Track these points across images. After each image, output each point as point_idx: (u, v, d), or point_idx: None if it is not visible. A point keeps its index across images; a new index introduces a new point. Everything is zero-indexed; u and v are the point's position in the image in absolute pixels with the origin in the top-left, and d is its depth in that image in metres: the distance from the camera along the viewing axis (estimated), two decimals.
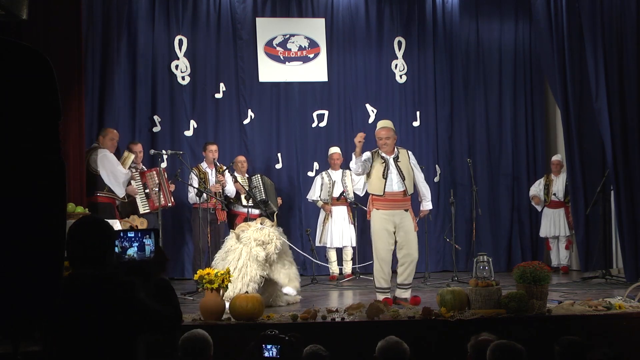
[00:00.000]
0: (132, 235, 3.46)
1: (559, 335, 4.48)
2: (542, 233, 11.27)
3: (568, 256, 11.13)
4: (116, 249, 3.38)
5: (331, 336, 5.84)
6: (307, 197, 10.69)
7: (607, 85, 9.25)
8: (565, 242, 11.09)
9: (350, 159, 11.12)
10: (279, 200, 10.50)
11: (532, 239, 11.70)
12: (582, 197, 10.04)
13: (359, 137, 7.70)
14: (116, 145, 9.24)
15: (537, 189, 11.24)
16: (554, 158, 11.29)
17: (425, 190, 8.01)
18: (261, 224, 7.66)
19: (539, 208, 11.22)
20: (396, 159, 7.76)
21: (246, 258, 7.32)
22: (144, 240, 3.45)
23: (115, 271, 3.26)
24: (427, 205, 8.10)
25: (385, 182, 7.65)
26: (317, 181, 10.60)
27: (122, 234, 3.44)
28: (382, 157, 7.76)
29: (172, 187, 9.67)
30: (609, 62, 9.33)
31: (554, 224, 11.08)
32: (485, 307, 6.14)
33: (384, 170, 7.69)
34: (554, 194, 11.02)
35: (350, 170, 10.51)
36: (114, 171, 8.83)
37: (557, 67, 9.93)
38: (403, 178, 7.69)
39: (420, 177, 7.99)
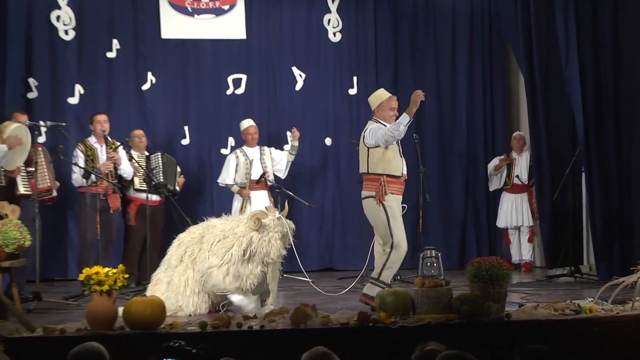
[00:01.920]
0: None
1: (520, 344, 4.54)
2: (501, 223, 11.45)
3: (531, 251, 11.35)
4: None
5: (248, 348, 5.82)
6: (219, 180, 10.61)
7: (579, 49, 9.40)
8: (527, 234, 11.30)
9: (273, 134, 11.16)
10: (181, 179, 10.36)
11: (490, 230, 11.89)
12: (548, 180, 10.20)
13: (421, 96, 7.64)
14: None
15: (495, 162, 11.38)
16: (516, 133, 11.48)
17: None
18: (274, 212, 7.66)
19: (493, 185, 11.38)
20: None
21: (256, 249, 7.35)
22: None
23: None
24: None
25: (402, 161, 7.86)
26: (231, 161, 10.52)
27: None
28: None
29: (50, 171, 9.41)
30: (581, 21, 9.47)
31: (515, 212, 11.28)
32: (433, 311, 6.19)
33: (399, 147, 7.84)
34: (517, 176, 11.21)
35: (271, 149, 10.50)
36: None
37: (520, 28, 10.05)
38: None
39: None
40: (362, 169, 7.88)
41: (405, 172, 7.95)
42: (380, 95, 8.01)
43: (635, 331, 6.18)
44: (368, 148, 7.76)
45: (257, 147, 10.61)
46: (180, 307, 7.37)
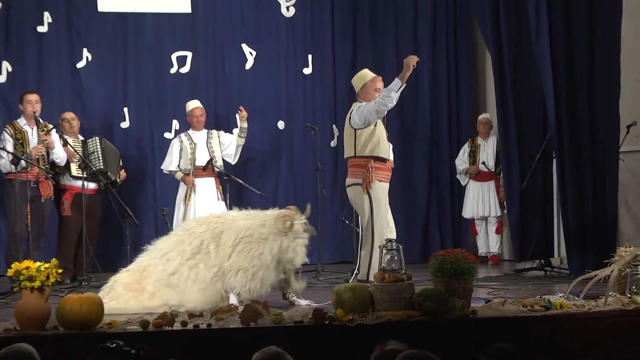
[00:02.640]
0: None
1: (486, 343, 4.58)
2: (467, 213, 11.55)
3: (499, 243, 11.45)
4: None
5: (193, 348, 5.80)
6: (162, 167, 10.57)
7: (550, 23, 9.44)
8: (495, 225, 11.40)
9: (221, 116, 11.10)
10: (122, 174, 10.30)
11: (454, 221, 11.98)
12: (516, 167, 10.27)
13: (414, 60, 7.68)
14: None
15: (463, 159, 11.47)
16: (482, 116, 11.57)
17: None
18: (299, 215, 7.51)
19: (463, 180, 11.48)
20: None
21: (284, 255, 7.27)
22: None
23: None
24: None
25: (389, 145, 8.01)
26: (174, 146, 10.48)
27: None
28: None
29: None
30: None
31: (481, 202, 11.38)
32: (394, 308, 6.21)
33: (386, 130, 7.97)
34: (483, 163, 11.29)
35: (221, 133, 10.47)
36: None
37: (487, 1, 10.09)
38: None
39: None
40: (348, 153, 7.90)
41: (392, 157, 8.00)
42: (363, 76, 8.06)
43: (608, 328, 6.26)
44: (355, 130, 7.80)
45: (205, 131, 10.57)
46: (181, 303, 7.26)
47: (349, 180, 7.94)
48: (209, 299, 7.34)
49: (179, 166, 10.43)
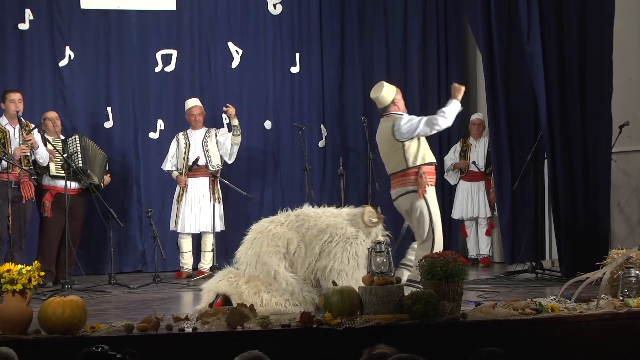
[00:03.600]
0: None
1: (477, 347, 4.60)
2: (456, 214, 11.57)
3: (489, 245, 11.47)
4: None
5: (179, 352, 5.81)
6: (162, 166, 10.63)
7: (541, 23, 9.47)
8: (485, 227, 11.42)
9: (207, 116, 11.09)
10: (107, 178, 10.28)
11: (444, 222, 11.94)
12: (508, 168, 10.31)
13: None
14: None
15: (452, 157, 11.51)
16: (474, 117, 11.58)
17: None
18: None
19: (452, 180, 11.50)
20: None
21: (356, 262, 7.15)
22: None
23: None
24: None
25: None
26: (172, 145, 10.68)
27: None
28: None
29: None
30: None
31: (471, 202, 11.40)
32: (383, 311, 6.23)
33: None
34: (473, 162, 11.32)
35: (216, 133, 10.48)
36: None
37: (479, 0, 10.13)
38: None
39: None
40: (398, 166, 7.90)
41: None
42: (390, 87, 8.12)
43: (600, 331, 6.29)
44: (403, 143, 7.83)
45: (203, 129, 10.64)
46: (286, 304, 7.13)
47: (399, 190, 7.92)
48: (307, 299, 7.19)
49: (175, 165, 10.48)
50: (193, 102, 10.71)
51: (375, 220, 7.25)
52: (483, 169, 11.33)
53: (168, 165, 10.54)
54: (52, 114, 10.17)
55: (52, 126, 10.00)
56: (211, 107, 11.35)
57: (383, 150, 8.04)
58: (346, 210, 7.45)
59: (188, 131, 10.65)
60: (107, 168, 10.33)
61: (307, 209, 7.51)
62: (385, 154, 8.02)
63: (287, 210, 7.50)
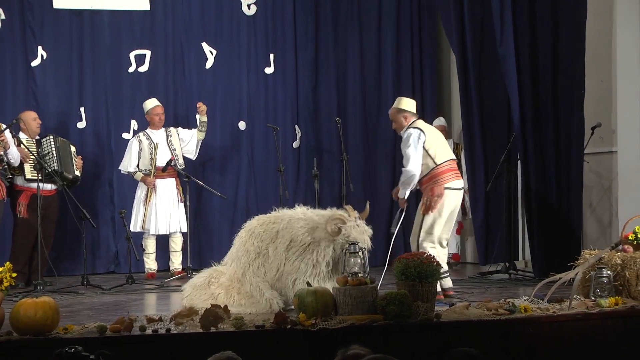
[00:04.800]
0: None
1: (450, 347, 4.61)
2: None
3: (458, 243, 11.52)
4: None
5: (152, 353, 5.80)
6: (120, 167, 10.55)
7: (514, 26, 9.52)
8: (455, 226, 11.46)
9: (180, 116, 11.07)
10: (79, 161, 10.20)
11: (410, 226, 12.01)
12: (481, 170, 10.36)
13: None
14: None
15: None
16: (436, 122, 11.13)
17: None
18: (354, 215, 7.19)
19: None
20: None
21: (337, 261, 7.01)
22: None
23: None
24: None
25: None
26: (133, 146, 10.48)
27: None
28: None
29: None
30: None
31: None
32: (357, 311, 6.24)
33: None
34: None
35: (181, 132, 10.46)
36: None
37: (452, 1, 10.15)
38: None
39: None
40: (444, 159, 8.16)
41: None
42: (412, 100, 8.61)
43: (572, 332, 6.33)
44: (427, 150, 8.10)
45: (163, 129, 10.58)
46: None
47: (461, 182, 8.25)
48: (261, 303, 7.20)
49: (138, 167, 10.40)
50: (154, 102, 10.64)
51: (337, 228, 6.98)
52: None
53: (131, 167, 10.43)
54: (32, 114, 10.04)
55: (35, 126, 9.91)
56: (185, 108, 11.33)
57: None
58: (325, 213, 7.28)
59: (148, 131, 10.57)
60: (74, 150, 10.19)
61: (288, 211, 7.49)
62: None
63: (286, 210, 7.51)
